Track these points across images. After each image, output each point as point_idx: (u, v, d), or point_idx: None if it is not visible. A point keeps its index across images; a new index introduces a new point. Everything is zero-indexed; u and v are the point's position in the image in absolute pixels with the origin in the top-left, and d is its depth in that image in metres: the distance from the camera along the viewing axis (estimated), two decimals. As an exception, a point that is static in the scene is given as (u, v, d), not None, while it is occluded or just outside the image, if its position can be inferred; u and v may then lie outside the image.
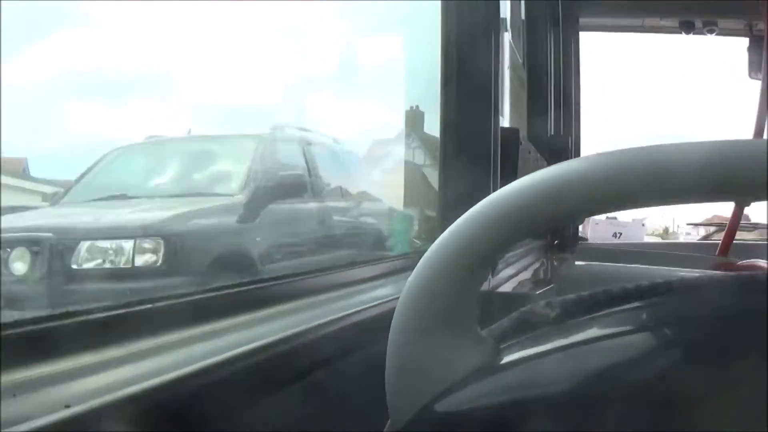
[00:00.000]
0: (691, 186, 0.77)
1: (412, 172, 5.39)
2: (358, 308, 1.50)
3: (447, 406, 0.84)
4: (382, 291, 1.78)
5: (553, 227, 3.24)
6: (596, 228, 6.05)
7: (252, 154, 5.63)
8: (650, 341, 0.85)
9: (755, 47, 4.86)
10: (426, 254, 0.84)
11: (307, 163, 5.87)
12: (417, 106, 4.78)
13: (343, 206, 6.37)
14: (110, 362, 0.98)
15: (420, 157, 5.39)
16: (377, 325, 1.11)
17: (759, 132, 4.38)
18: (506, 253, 1.67)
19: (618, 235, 5.87)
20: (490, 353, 0.86)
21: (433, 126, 3.24)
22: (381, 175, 6.35)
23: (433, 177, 3.85)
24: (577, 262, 3.85)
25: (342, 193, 6.47)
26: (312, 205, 5.93)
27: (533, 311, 0.90)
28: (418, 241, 5.04)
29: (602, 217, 6.13)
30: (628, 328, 0.88)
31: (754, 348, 0.77)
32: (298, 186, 5.78)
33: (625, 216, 6.34)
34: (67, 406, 0.80)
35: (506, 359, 0.86)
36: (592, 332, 0.88)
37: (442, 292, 0.84)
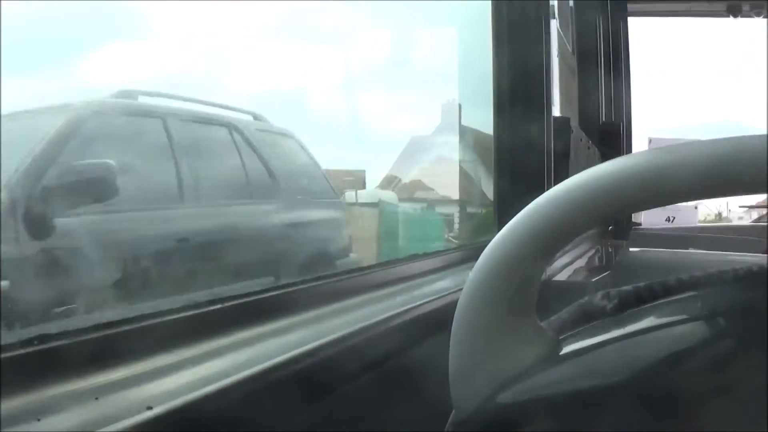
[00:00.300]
0: (752, 179, 0.77)
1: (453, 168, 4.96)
2: (419, 302, 1.51)
3: (509, 398, 0.85)
4: (441, 284, 1.79)
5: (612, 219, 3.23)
6: (650, 213, 6.01)
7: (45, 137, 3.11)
8: (706, 331, 0.85)
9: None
10: (488, 246, 0.85)
11: (172, 150, 3.68)
12: (454, 99, 4.59)
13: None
14: (186, 362, 1.00)
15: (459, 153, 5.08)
16: (438, 317, 1.13)
17: None
18: (567, 246, 1.67)
19: (671, 219, 5.83)
20: (550, 345, 0.87)
21: (477, 120, 3.23)
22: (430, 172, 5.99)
23: (475, 173, 3.83)
24: (631, 249, 3.84)
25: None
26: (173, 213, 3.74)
27: (591, 302, 0.90)
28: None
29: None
30: (683, 317, 0.88)
31: None
32: (104, 186, 3.07)
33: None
34: (149, 408, 0.82)
35: (566, 350, 0.87)
36: (649, 322, 0.88)
37: (504, 285, 0.85)
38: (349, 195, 5.28)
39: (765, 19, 5.23)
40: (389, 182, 5.83)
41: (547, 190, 0.81)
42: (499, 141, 2.34)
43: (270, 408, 1.01)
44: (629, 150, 4.93)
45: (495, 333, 0.86)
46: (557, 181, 2.38)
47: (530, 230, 0.84)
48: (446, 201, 5.56)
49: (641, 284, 0.90)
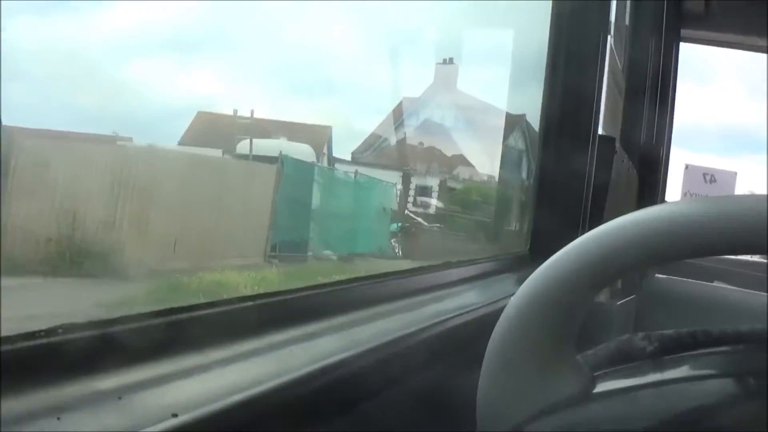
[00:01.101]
0: None
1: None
2: (451, 314, 1.49)
3: (539, 429, 0.85)
4: (473, 296, 1.77)
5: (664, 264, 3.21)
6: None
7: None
8: (742, 389, 0.84)
9: None
10: (539, 269, 0.84)
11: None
12: (451, 59, 4.39)
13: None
14: (213, 365, 0.98)
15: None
16: (469, 332, 1.10)
17: None
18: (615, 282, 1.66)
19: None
20: (584, 381, 0.87)
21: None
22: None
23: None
24: (657, 275, 3.81)
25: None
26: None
27: (631, 342, 0.90)
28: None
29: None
30: (721, 371, 0.88)
31: None
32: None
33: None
34: (174, 415, 0.80)
35: (600, 388, 0.86)
36: (686, 371, 0.88)
37: (547, 316, 0.84)
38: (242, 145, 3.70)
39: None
40: (368, 146, 4.75)
41: (585, 208, 0.81)
42: (544, 152, 2.32)
43: (289, 422, 0.98)
44: (666, 174, 4.90)
45: (531, 363, 0.86)
46: (595, 200, 2.38)
47: (580, 263, 0.83)
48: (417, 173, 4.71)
49: (684, 330, 0.90)
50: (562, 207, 2.17)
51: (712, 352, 0.87)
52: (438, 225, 4.68)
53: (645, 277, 3.60)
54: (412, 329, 1.33)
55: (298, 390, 0.99)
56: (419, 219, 4.47)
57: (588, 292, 0.84)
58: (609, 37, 3.08)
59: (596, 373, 0.88)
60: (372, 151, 4.51)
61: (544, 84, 2.32)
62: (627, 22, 3.80)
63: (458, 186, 4.83)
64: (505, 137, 3.69)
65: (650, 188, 4.11)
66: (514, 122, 3.75)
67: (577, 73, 2.29)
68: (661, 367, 0.87)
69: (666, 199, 5.02)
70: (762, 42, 5.39)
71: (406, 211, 4.40)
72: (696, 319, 2.90)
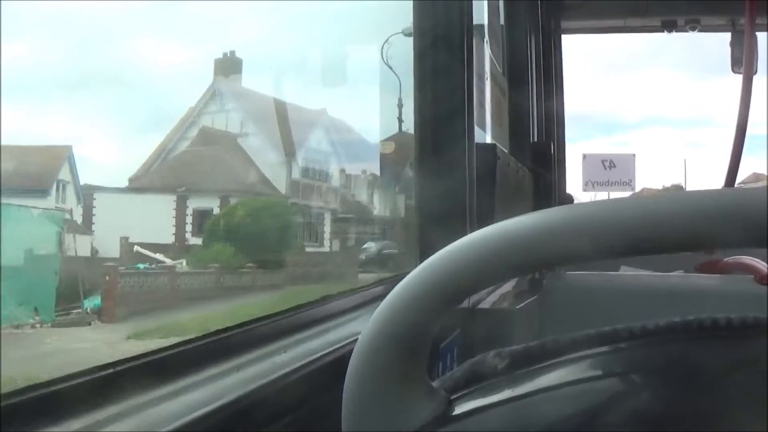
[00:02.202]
0: (675, 239, 0.76)
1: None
2: (327, 349, 1.48)
3: None
4: (354, 325, 1.76)
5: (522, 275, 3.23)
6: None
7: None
8: (596, 392, 0.86)
9: (737, 42, 4.86)
10: (383, 303, 0.84)
11: None
12: (233, 53, 4.00)
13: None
14: None
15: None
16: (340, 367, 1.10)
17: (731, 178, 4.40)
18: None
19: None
20: (441, 404, 0.87)
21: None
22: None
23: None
24: (565, 272, 3.84)
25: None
26: None
27: (483, 362, 0.90)
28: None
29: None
30: (574, 378, 0.89)
31: (706, 404, 0.78)
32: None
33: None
34: None
35: (457, 411, 0.87)
36: (540, 382, 0.89)
37: (396, 343, 0.84)
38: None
39: (699, 32, 5.30)
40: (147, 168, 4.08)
41: (470, 219, 0.82)
42: (420, 169, 2.32)
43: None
44: (562, 168, 4.95)
45: (386, 391, 0.86)
46: (482, 209, 2.39)
47: (424, 288, 0.82)
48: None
49: (533, 343, 0.90)
50: (446, 223, 2.16)
51: (564, 360, 0.88)
52: (186, 260, 3.86)
53: (547, 276, 3.63)
54: (274, 376, 1.32)
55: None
56: (160, 256, 3.65)
57: (432, 316, 0.85)
58: (483, 41, 3.09)
59: (453, 396, 0.89)
60: (150, 173, 3.98)
61: (414, 100, 2.32)
62: (502, 22, 3.82)
63: (246, 206, 4.16)
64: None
65: (546, 186, 4.14)
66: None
67: (445, 84, 2.29)
68: (515, 382, 0.88)
69: (567, 192, 5.07)
70: (644, 22, 5.49)
71: (137, 248, 3.60)
72: (602, 309, 2.92)
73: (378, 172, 5.52)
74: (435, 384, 0.89)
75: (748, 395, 0.77)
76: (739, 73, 4.53)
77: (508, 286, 3.07)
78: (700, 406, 0.78)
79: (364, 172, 5.49)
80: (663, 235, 0.75)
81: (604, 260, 4.41)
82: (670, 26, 5.30)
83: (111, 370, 1.13)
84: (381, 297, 1.85)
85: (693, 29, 5.27)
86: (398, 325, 0.83)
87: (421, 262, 0.83)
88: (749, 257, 3.77)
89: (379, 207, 6.01)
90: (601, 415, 0.82)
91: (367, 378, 0.85)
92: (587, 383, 0.88)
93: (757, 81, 4.33)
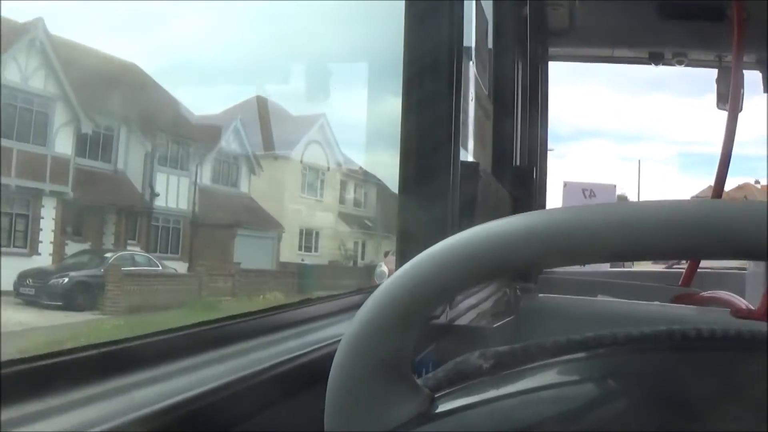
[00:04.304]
0: (651, 245, 0.77)
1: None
2: (305, 350, 1.49)
3: None
4: (332, 330, 1.77)
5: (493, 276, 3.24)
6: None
7: None
8: (579, 395, 0.88)
9: (724, 79, 4.90)
10: (370, 297, 0.86)
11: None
12: None
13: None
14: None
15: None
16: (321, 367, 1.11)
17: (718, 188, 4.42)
18: (446, 303, 1.68)
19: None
20: (424, 402, 0.88)
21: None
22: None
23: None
24: (540, 295, 3.85)
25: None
26: None
27: (467, 361, 0.92)
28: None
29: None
30: (557, 381, 0.91)
31: (686, 408, 0.80)
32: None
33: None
34: None
35: (440, 409, 0.88)
36: (524, 384, 0.91)
37: (379, 343, 0.85)
38: None
39: (686, 67, 5.33)
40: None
41: (451, 233, 0.83)
42: (405, 180, 2.33)
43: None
44: (542, 193, 4.98)
45: (369, 390, 0.87)
46: (462, 227, 2.39)
47: (407, 289, 0.83)
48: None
49: (518, 345, 0.92)
50: (427, 238, 2.17)
51: (549, 363, 0.90)
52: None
53: (524, 297, 3.64)
54: (262, 366, 1.33)
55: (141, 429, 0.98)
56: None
57: (416, 316, 0.86)
58: (470, 63, 3.12)
59: (436, 395, 0.89)
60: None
61: (401, 117, 2.34)
62: (490, 45, 3.84)
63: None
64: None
65: (524, 209, 4.15)
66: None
67: (431, 103, 2.31)
68: (498, 383, 0.89)
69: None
70: (632, 53, 5.52)
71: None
72: (578, 333, 2.93)
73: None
74: (419, 382, 0.90)
75: (731, 405, 0.78)
76: (724, 109, 4.57)
77: (486, 304, 3.09)
78: (681, 415, 0.79)
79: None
80: (646, 240, 0.76)
81: (583, 282, 4.43)
82: (657, 59, 5.34)
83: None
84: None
85: (680, 63, 5.31)
86: (384, 321, 0.84)
87: (400, 267, 0.84)
88: (726, 292, 3.79)
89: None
90: (584, 419, 0.84)
91: (351, 374, 0.86)
92: (570, 386, 0.90)
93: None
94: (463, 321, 2.57)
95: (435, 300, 0.87)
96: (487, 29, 3.73)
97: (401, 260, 2.28)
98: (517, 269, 0.77)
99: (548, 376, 0.90)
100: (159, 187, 6.23)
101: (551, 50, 5.27)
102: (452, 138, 2.35)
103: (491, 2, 3.81)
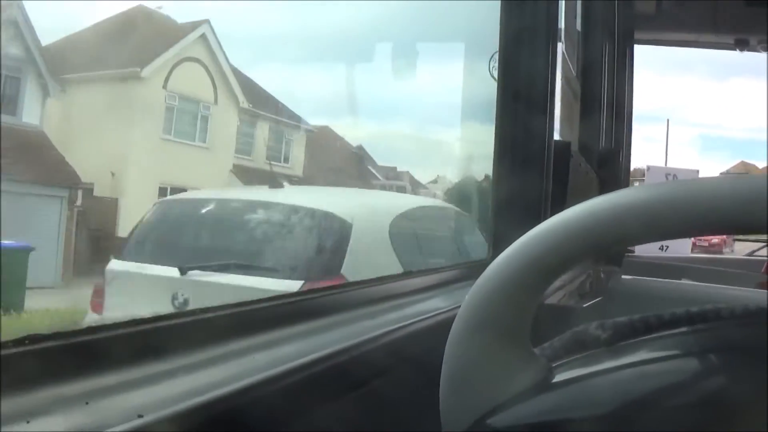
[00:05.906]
0: (750, 219, 0.78)
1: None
2: (413, 320, 1.51)
3: (500, 422, 0.86)
4: (435, 302, 1.78)
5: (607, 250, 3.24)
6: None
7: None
8: (697, 367, 0.87)
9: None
10: (489, 268, 0.86)
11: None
12: None
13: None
14: (178, 370, 0.99)
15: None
16: (430, 336, 1.12)
17: None
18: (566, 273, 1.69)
19: (665, 248, 5.85)
20: (542, 371, 0.89)
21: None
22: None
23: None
24: (624, 276, 3.83)
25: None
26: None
27: (585, 332, 0.92)
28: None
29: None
30: (675, 353, 0.90)
31: None
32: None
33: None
34: (140, 416, 0.82)
35: (558, 378, 0.88)
36: (642, 355, 0.90)
37: (499, 311, 0.86)
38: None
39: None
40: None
41: (544, 213, 0.83)
42: (499, 158, 2.34)
43: (249, 423, 1.00)
44: (627, 177, 4.94)
45: (488, 358, 0.87)
46: (554, 204, 2.41)
47: (527, 258, 0.85)
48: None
49: (636, 316, 0.92)
50: (520, 214, 2.18)
51: (666, 335, 0.89)
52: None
53: (610, 279, 3.63)
54: (372, 334, 1.34)
55: (258, 393, 1.00)
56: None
57: (536, 286, 0.86)
58: (560, 44, 3.11)
59: (554, 364, 0.90)
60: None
61: (497, 94, 2.34)
62: (579, 27, 3.83)
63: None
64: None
65: (611, 191, 4.12)
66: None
67: (527, 82, 2.31)
68: (616, 354, 0.89)
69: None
70: (717, 39, 5.46)
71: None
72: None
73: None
74: (536, 351, 0.91)
75: None
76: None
77: (573, 285, 3.08)
78: None
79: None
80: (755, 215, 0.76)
81: (665, 266, 4.41)
82: (742, 45, 5.28)
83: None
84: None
85: (764, 49, 5.24)
86: (505, 292, 0.85)
87: (494, 247, 0.85)
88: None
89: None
90: (695, 390, 0.83)
91: (471, 340, 0.87)
92: (685, 359, 0.89)
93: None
94: (552, 300, 2.57)
95: (556, 268, 0.87)
96: (576, 7, 3.72)
97: (496, 236, 2.29)
98: (627, 244, 0.76)
99: (665, 348, 0.90)
100: None
101: (637, 34, 5.21)
102: (546, 116, 2.35)
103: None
